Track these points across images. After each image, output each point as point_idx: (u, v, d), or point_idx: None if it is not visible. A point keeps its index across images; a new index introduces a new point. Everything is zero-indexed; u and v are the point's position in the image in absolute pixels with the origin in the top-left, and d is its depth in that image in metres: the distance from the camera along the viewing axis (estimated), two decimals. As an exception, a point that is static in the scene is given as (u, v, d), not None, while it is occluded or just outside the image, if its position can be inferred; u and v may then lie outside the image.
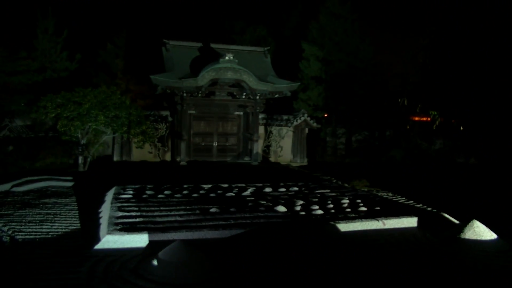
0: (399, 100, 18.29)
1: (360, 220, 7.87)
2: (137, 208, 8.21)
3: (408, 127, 18.87)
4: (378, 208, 8.94)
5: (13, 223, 7.37)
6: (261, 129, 17.30)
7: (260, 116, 16.72)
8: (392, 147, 18.80)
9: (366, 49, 19.63)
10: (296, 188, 11.02)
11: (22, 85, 14.50)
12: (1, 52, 14.08)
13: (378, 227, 7.73)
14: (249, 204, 8.92)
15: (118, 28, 20.07)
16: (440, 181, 13.87)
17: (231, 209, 8.29)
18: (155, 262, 5.29)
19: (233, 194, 9.97)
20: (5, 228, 7.00)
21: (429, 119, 19.20)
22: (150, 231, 6.67)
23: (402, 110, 18.42)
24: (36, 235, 6.79)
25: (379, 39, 17.47)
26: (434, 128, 18.86)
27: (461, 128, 18.40)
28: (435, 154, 18.61)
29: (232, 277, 5.17)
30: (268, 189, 10.67)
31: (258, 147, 16.36)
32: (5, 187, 10.81)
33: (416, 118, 19.36)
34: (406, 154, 18.20)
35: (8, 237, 6.56)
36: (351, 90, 18.72)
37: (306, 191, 10.78)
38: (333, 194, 10.55)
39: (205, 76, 14.52)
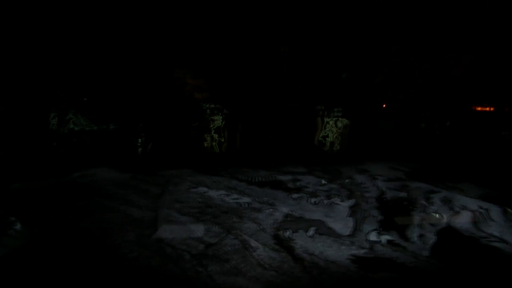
0: (461, 89, 17.64)
1: (417, 213, 7.75)
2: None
3: (470, 117, 18.19)
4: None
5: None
6: (318, 120, 17.19)
7: (317, 107, 16.63)
8: (453, 138, 18.21)
9: (427, 35, 18.96)
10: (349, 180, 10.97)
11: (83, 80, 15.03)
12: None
13: (435, 222, 7.58)
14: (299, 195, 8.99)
15: (175, 22, 20.40)
16: (504, 174, 13.27)
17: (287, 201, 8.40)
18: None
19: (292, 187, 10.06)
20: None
21: (492, 109, 18.44)
22: (206, 221, 6.90)
23: (464, 100, 17.76)
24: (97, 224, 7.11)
25: (440, 23, 16.84)
26: (498, 118, 18.10)
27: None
28: (500, 146, 17.87)
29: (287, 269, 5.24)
30: (323, 181, 10.67)
31: (315, 138, 16.31)
32: (70, 177, 11.33)
33: (479, 108, 18.64)
34: (467, 145, 17.59)
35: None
36: (410, 79, 18.24)
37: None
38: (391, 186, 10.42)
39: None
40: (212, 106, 17.10)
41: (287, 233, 6.34)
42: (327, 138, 18.46)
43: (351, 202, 8.33)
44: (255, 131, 16.53)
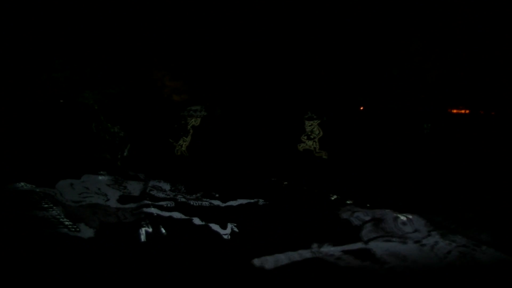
0: (437, 92, 17.70)
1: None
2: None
3: (446, 120, 18.22)
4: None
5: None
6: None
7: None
8: (432, 142, 18.19)
9: (401, 39, 19.01)
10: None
11: (62, 80, 14.96)
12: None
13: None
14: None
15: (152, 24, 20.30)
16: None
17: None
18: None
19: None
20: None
21: (467, 111, 18.54)
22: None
23: (440, 102, 17.82)
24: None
25: (415, 23, 16.91)
26: (474, 121, 18.16)
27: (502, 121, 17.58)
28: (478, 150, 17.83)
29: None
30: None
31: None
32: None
33: (454, 111, 18.72)
34: (446, 149, 17.58)
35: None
36: (385, 81, 18.27)
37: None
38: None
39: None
40: (191, 108, 17.07)
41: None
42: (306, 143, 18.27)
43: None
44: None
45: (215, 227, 6.79)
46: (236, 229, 6.80)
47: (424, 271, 5.68)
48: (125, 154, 14.42)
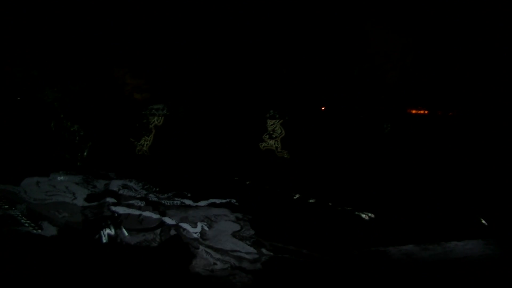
0: (397, 93, 18.08)
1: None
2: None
3: (405, 121, 18.61)
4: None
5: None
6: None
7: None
8: (391, 142, 18.53)
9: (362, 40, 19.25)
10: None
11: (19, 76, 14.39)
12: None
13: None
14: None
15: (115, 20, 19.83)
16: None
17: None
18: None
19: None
20: None
21: (426, 112, 19.01)
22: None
23: (400, 103, 18.20)
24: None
25: (375, 25, 17.21)
26: (432, 121, 18.62)
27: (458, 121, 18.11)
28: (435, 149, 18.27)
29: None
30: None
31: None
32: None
33: (413, 111, 19.16)
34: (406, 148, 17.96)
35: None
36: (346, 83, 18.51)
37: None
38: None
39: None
40: (152, 107, 16.77)
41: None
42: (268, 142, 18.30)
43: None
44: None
45: (185, 226, 6.64)
46: (206, 228, 6.69)
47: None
48: (85, 154, 14.02)
